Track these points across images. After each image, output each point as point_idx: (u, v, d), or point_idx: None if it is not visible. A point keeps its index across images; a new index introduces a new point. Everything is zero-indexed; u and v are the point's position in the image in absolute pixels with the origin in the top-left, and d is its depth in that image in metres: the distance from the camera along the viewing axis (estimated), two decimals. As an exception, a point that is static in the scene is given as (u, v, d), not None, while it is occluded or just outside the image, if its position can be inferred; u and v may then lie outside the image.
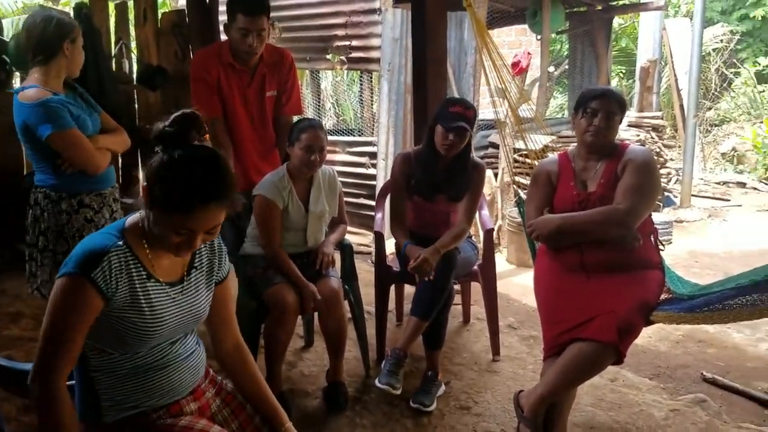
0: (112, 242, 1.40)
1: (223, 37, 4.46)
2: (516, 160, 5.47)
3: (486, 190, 5.45)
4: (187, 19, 4.47)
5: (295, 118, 3.07)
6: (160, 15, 4.46)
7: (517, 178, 5.45)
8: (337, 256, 2.89)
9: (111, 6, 4.52)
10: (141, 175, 4.07)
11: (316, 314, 2.89)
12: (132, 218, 1.47)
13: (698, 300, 2.08)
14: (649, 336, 3.57)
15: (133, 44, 4.51)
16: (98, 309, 1.36)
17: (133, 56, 4.38)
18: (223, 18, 4.60)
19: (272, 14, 2.96)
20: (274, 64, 3.04)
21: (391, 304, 3.36)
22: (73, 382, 1.48)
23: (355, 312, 2.89)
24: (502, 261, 5.39)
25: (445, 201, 2.90)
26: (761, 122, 9.40)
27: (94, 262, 1.35)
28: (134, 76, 4.34)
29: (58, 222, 2.45)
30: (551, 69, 9.66)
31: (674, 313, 2.15)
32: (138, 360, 1.46)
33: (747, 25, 11.42)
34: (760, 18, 11.12)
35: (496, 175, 5.65)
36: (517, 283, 4.75)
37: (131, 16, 4.45)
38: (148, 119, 4.22)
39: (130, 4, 4.53)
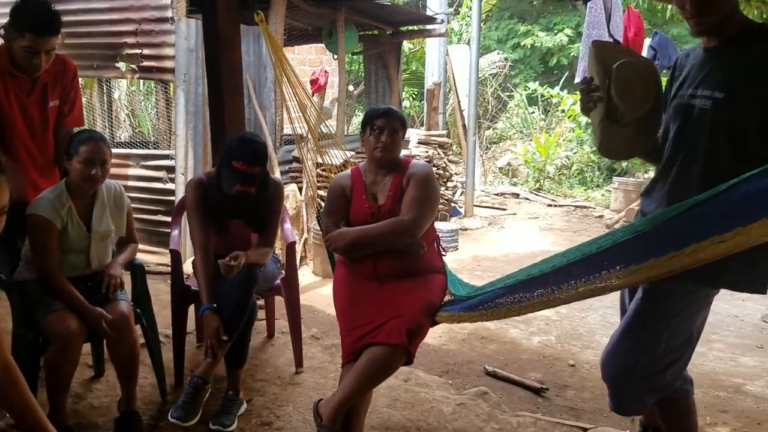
0: None
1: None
2: (319, 175, 5.60)
3: (291, 203, 5.51)
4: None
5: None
6: None
7: (319, 192, 5.60)
8: (128, 278, 2.73)
9: None
10: None
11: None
12: None
13: (474, 300, 2.30)
14: (439, 336, 3.86)
15: None
16: None
17: None
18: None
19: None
20: (57, 73, 2.81)
21: (192, 326, 3.25)
22: None
23: (148, 336, 2.75)
24: (308, 273, 5.48)
25: (241, 224, 2.87)
26: (531, 140, 10.69)
27: None
28: None
29: None
30: (351, 88, 10.07)
31: (455, 312, 2.35)
32: None
33: (519, 53, 12.92)
34: (529, 47, 12.66)
35: (300, 189, 5.73)
36: (323, 294, 4.86)
37: None
38: None
39: None
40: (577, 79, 6.48)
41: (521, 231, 7.38)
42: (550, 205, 8.95)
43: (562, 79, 11.58)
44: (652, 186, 2.04)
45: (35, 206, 2.45)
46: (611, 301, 4.43)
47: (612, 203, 8.53)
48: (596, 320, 4.38)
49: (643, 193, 2.11)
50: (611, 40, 6.28)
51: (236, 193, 2.64)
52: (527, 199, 9.38)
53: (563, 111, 10.85)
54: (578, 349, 3.88)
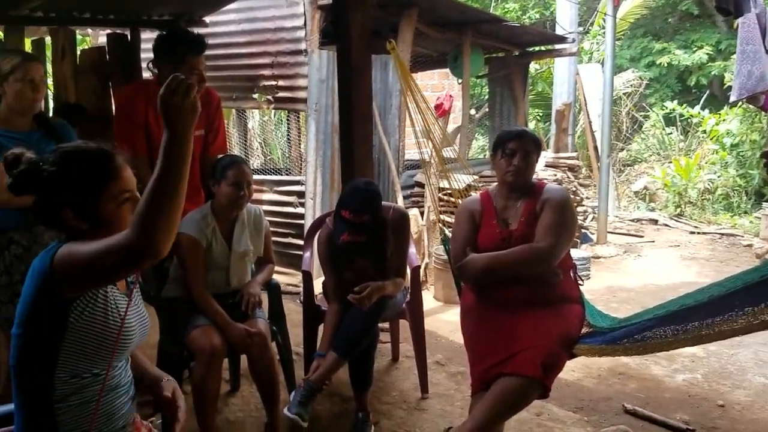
0: None
1: (145, 74, 4.38)
2: (441, 199, 5.58)
3: (413, 228, 5.52)
4: (107, 56, 4.36)
5: (219, 157, 3.03)
6: (79, 52, 4.33)
7: (442, 217, 5.57)
8: (264, 297, 2.84)
9: (27, 42, 4.36)
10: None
11: (243, 356, 2.80)
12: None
13: (618, 332, 2.15)
14: (572, 370, 3.66)
15: (50, 81, 4.34)
16: None
17: (50, 93, 4.22)
18: (146, 56, 4.53)
19: (199, 53, 2.94)
20: (202, 103, 3.00)
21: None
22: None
23: (283, 353, 2.83)
24: (429, 298, 5.43)
25: (367, 264, 2.83)
26: (670, 162, 10.03)
27: None
28: (50, 114, 4.17)
29: None
30: (473, 112, 10.01)
31: (596, 345, 2.22)
32: (104, 381, 1.42)
33: (654, 71, 12.26)
34: (665, 65, 11.98)
35: (422, 213, 5.74)
36: (445, 319, 4.79)
37: (48, 52, 4.30)
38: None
39: (48, 40, 4.39)
40: (732, 98, 6.02)
41: (660, 260, 6.87)
42: (692, 233, 8.29)
43: (703, 99, 10.82)
44: None
45: (183, 226, 2.60)
46: (766, 337, 4.03)
47: (762, 231, 7.73)
48: (748, 358, 3.97)
49: None
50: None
51: (343, 243, 2.66)
52: (666, 225, 8.75)
53: (704, 132, 10.10)
54: (728, 388, 3.53)
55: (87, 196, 1.40)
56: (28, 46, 4.28)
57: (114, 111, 2.98)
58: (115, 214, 1.41)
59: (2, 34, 4.06)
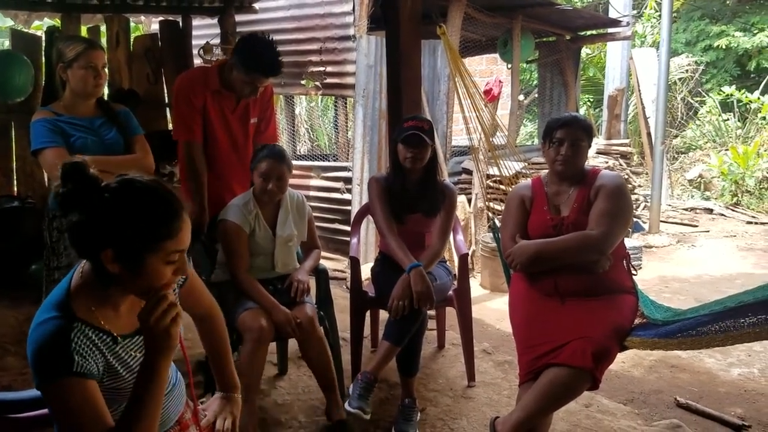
0: (66, 327, 1.23)
1: (196, 60, 4.44)
2: (489, 186, 5.52)
3: (460, 215, 5.48)
4: (159, 43, 4.45)
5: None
6: (132, 39, 4.43)
7: (490, 204, 5.50)
8: (312, 282, 2.86)
9: (83, 30, 4.48)
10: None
11: (290, 340, 2.84)
12: (73, 284, 1.31)
13: (673, 326, 2.08)
14: (622, 361, 3.58)
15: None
16: (97, 388, 1.26)
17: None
18: (197, 42, 4.59)
19: (248, 39, 2.95)
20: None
21: (366, 330, 3.32)
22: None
23: (330, 338, 2.85)
24: (475, 286, 5.39)
25: (419, 219, 2.90)
26: (726, 150, 9.65)
27: (66, 359, 1.20)
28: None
29: (51, 239, 2.52)
30: (521, 98, 9.82)
31: (648, 338, 2.15)
32: None
33: (711, 55, 11.79)
34: (723, 48, 11.50)
35: (469, 200, 5.68)
36: (492, 308, 4.75)
37: (103, 39, 4.41)
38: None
39: (103, 27, 4.50)
40: None
41: (716, 250, 6.65)
42: (749, 223, 7.99)
43: (763, 84, 10.35)
44: None
45: (226, 212, 2.67)
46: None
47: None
48: (809, 353, 3.82)
49: None
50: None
51: (411, 139, 2.74)
52: (722, 215, 8.44)
53: (764, 118, 9.67)
54: (787, 384, 3.41)
55: (139, 245, 1.23)
56: (83, 34, 4.40)
57: (173, 96, 3.03)
58: (156, 271, 1.26)
59: (60, 22, 4.18)
